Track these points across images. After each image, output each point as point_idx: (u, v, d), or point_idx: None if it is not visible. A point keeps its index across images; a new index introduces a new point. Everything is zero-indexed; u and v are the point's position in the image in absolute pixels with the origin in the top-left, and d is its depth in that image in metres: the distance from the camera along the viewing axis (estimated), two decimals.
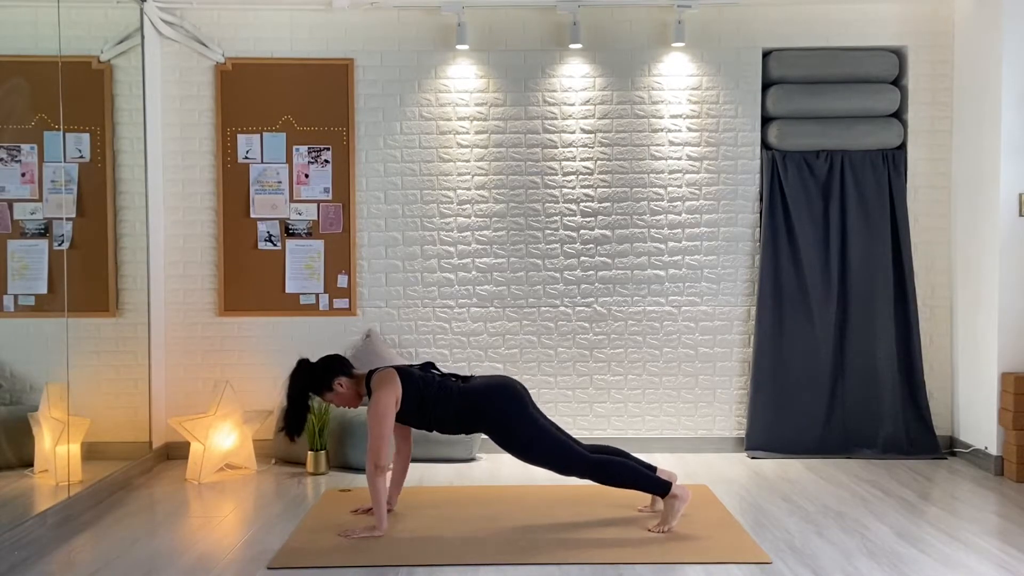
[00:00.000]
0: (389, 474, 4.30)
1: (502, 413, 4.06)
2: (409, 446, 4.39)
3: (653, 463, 4.30)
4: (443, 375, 4.22)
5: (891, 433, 5.53)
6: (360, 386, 4.17)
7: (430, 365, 4.27)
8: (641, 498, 4.37)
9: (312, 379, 4.15)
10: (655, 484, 4.05)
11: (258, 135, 5.64)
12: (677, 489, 4.01)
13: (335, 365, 4.19)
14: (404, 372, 4.11)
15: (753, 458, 5.51)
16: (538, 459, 4.07)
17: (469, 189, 5.68)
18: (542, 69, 5.66)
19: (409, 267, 5.69)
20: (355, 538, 3.96)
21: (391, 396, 4.00)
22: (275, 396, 5.58)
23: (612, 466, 4.06)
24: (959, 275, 5.58)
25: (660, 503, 4.20)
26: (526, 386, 4.34)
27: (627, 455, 4.21)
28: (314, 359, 4.21)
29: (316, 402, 5.24)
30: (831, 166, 5.63)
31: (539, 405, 5.38)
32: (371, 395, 4.05)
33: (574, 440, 4.13)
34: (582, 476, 4.07)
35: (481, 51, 5.65)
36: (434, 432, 4.25)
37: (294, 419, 4.12)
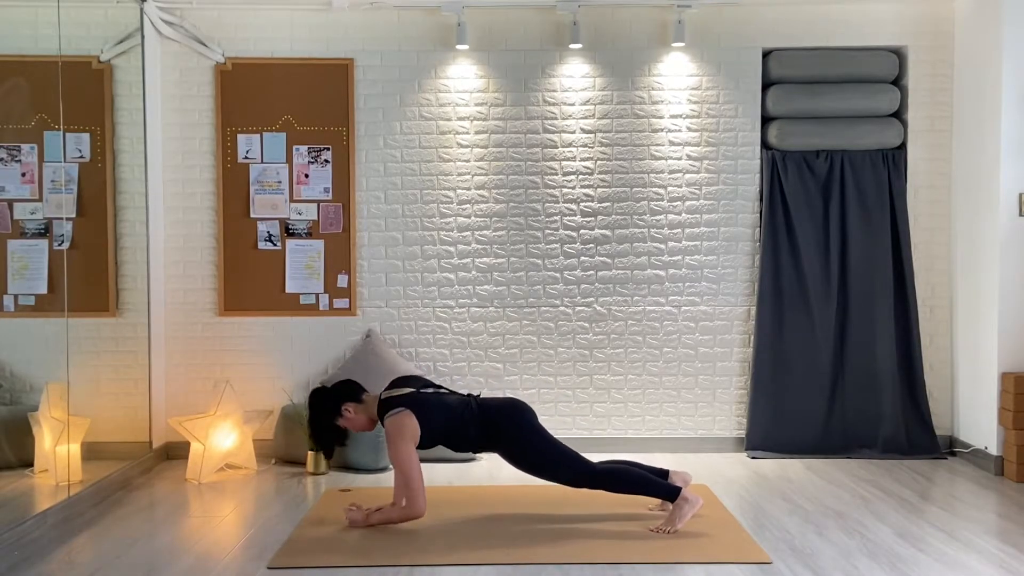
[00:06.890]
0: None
1: (518, 429, 4.13)
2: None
3: (659, 465, 4.34)
4: (457, 394, 4.28)
5: (891, 433, 5.52)
6: (371, 411, 4.20)
7: (426, 383, 4.31)
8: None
9: (322, 407, 4.21)
10: (663, 489, 4.07)
11: (258, 135, 5.64)
12: (687, 493, 4.02)
13: (343, 391, 4.23)
14: (419, 403, 4.11)
15: (753, 458, 5.51)
16: (550, 472, 4.13)
17: (469, 189, 5.68)
18: (542, 69, 5.66)
19: (409, 267, 5.69)
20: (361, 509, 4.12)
21: (410, 443, 4.01)
22: (275, 396, 5.59)
23: (619, 473, 4.12)
24: (959, 275, 5.58)
25: (670, 504, 4.21)
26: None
27: (635, 464, 4.28)
28: (330, 384, 4.31)
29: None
30: (831, 166, 5.63)
31: (539, 405, 5.50)
32: (384, 424, 4.08)
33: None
34: (591, 486, 4.12)
35: (481, 51, 5.65)
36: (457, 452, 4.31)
37: (324, 441, 4.30)
